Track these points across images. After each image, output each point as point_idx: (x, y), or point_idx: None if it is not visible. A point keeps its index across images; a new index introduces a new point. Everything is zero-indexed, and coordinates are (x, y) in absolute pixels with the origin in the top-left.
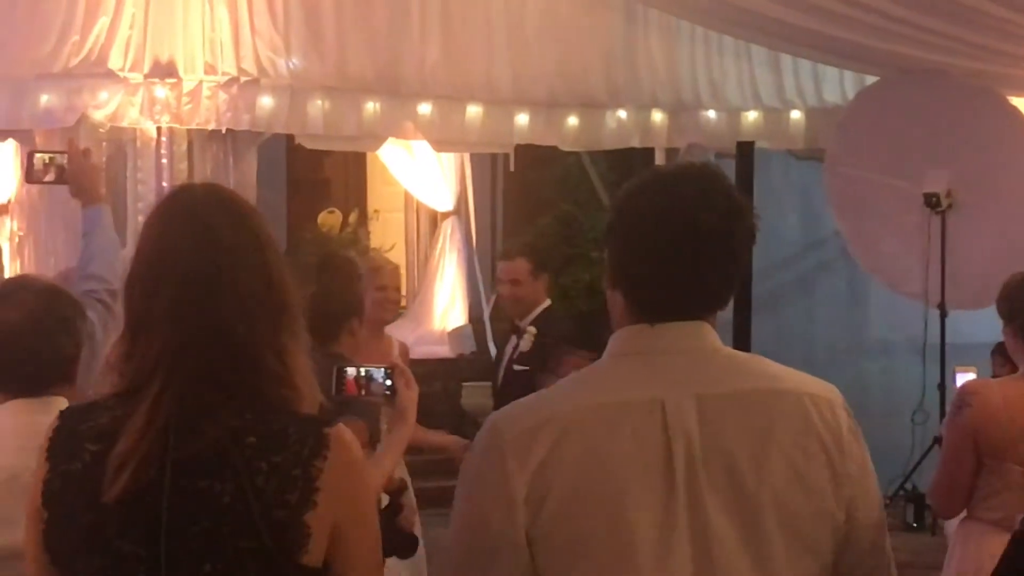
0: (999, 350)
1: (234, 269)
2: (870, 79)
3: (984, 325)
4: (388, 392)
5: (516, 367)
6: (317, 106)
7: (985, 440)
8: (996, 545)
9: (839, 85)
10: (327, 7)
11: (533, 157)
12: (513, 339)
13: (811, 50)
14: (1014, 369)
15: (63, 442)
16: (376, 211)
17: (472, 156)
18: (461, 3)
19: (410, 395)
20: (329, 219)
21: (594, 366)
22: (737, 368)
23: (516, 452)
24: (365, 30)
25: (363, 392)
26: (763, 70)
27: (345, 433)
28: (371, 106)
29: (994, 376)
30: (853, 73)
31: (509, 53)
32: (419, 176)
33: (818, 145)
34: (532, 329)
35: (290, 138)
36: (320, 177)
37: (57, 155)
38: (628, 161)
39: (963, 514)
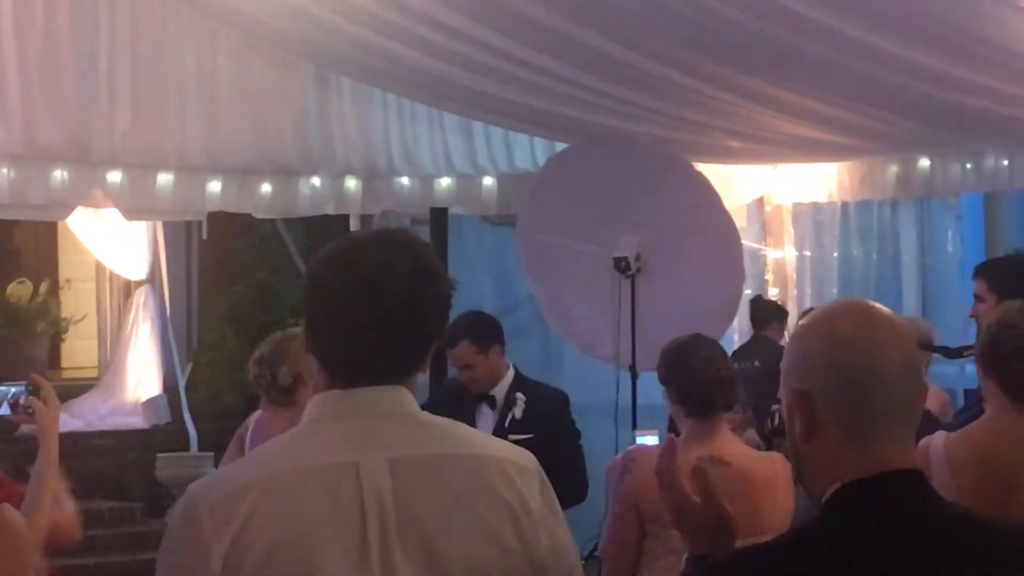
0: None
1: None
2: (561, 145)
3: None
4: (30, 412)
5: (514, 436)
6: (3, 175)
7: (647, 506)
8: None
9: (530, 151)
10: (11, 74)
11: (229, 224)
12: (487, 411)
13: (501, 117)
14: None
15: None
16: (68, 280)
17: (165, 223)
18: (151, 68)
19: (50, 414)
20: (19, 290)
21: (291, 431)
22: (432, 433)
23: (213, 523)
24: (52, 96)
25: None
26: (455, 136)
27: (7, 513)
28: (59, 174)
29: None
30: (544, 140)
31: (201, 119)
32: (110, 245)
33: (511, 211)
34: (521, 396)
35: None
36: (10, 247)
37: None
38: (325, 228)
39: None
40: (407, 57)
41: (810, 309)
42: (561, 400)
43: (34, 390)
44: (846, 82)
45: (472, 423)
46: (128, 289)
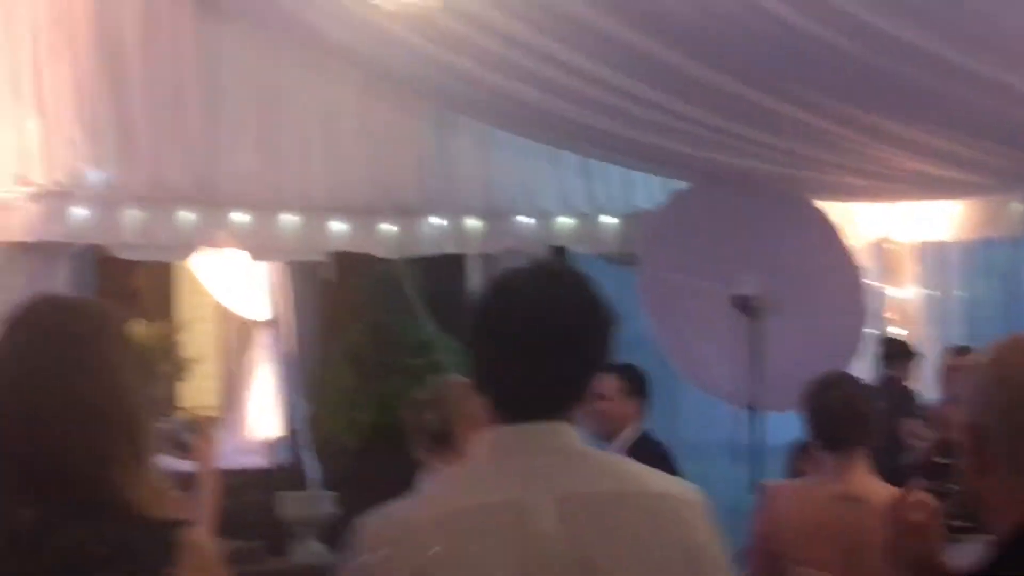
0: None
1: (39, 378)
2: (679, 184)
3: (794, 426)
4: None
5: None
6: (131, 216)
7: (778, 542)
8: None
9: (649, 190)
10: (139, 116)
11: (346, 265)
12: None
13: (621, 156)
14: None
15: None
16: (186, 321)
17: (284, 263)
18: (275, 110)
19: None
20: (140, 330)
21: (457, 469)
22: (597, 468)
23: (381, 560)
24: (179, 138)
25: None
26: (575, 176)
27: (197, 535)
28: (185, 216)
29: (795, 475)
30: (662, 178)
31: (324, 160)
32: (231, 285)
33: (630, 249)
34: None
35: (98, 248)
36: (129, 289)
37: None
38: (442, 268)
39: None
40: (527, 96)
41: (962, 347)
42: (660, 453)
43: (195, 427)
44: (969, 118)
45: None
46: (247, 329)
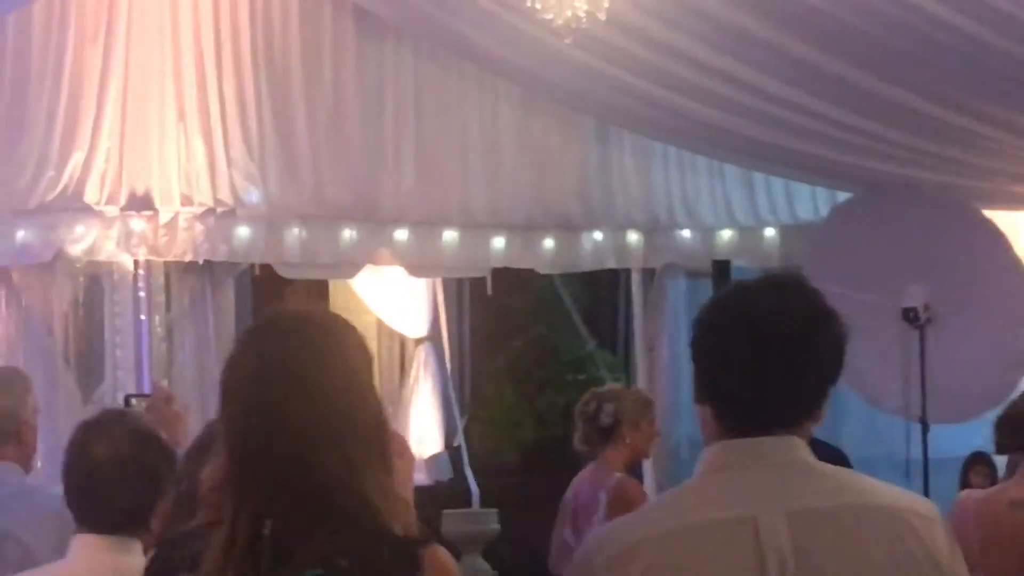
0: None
1: (288, 387)
2: (842, 195)
3: (959, 439)
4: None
5: None
6: (294, 234)
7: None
8: None
9: (812, 202)
10: (301, 135)
11: (505, 280)
12: None
13: (783, 167)
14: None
15: (158, 571)
16: None
17: (444, 280)
18: (435, 127)
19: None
20: None
21: (686, 484)
22: (829, 483)
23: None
24: (340, 157)
25: None
26: (736, 188)
27: (440, 553)
28: (347, 233)
29: (969, 487)
30: (825, 189)
31: (484, 176)
32: (390, 302)
33: (793, 262)
34: None
35: (252, 268)
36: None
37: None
38: (601, 283)
39: None
40: (687, 108)
41: None
42: (839, 459)
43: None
44: None
45: None
46: (403, 346)
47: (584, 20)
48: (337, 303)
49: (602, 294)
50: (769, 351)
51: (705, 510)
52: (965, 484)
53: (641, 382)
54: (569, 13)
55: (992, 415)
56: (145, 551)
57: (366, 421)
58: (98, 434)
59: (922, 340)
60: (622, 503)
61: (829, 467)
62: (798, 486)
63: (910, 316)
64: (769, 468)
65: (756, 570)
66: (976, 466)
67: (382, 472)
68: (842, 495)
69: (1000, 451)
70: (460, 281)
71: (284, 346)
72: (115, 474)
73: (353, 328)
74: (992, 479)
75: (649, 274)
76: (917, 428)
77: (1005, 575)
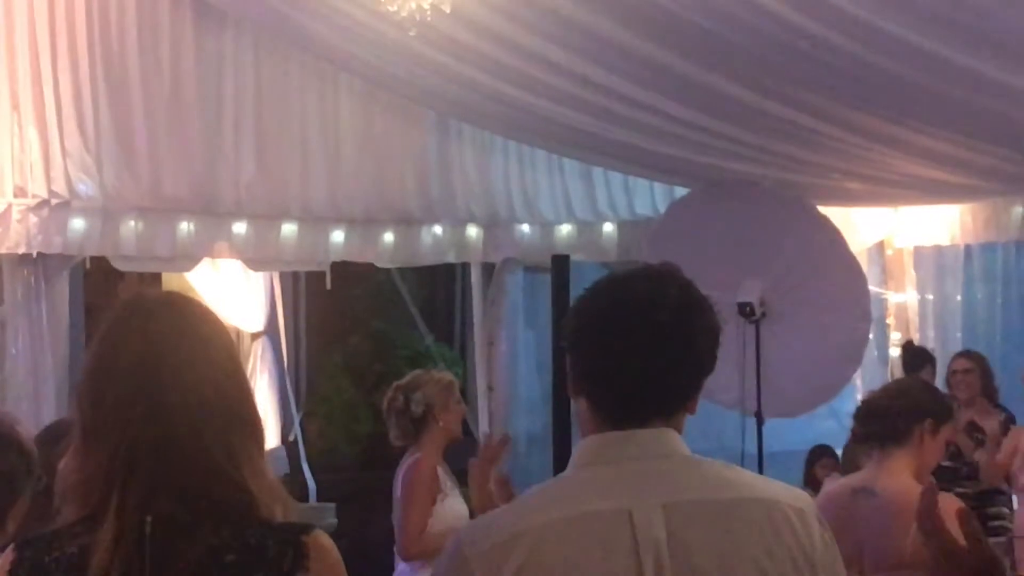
0: (821, 454)
1: (175, 374)
2: (680, 191)
3: (795, 433)
4: None
5: None
6: (130, 227)
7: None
8: None
9: (650, 197)
10: (139, 126)
11: (342, 275)
12: None
13: (621, 162)
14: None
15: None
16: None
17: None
18: (275, 120)
19: None
20: None
21: (561, 476)
22: (704, 476)
23: (484, 569)
24: (178, 149)
25: None
26: (575, 183)
27: (323, 538)
28: (185, 226)
29: (814, 479)
30: (663, 185)
31: (324, 170)
32: (227, 296)
33: (631, 257)
34: None
35: (83, 261)
36: (115, 301)
37: None
38: (436, 277)
39: None
40: (526, 102)
41: (963, 352)
42: None
43: None
44: (970, 120)
45: None
46: (239, 341)
47: (428, 13)
48: None
49: (439, 288)
50: (643, 340)
51: (581, 502)
52: (809, 477)
53: (480, 377)
54: (414, 5)
55: (823, 409)
56: None
57: (244, 406)
58: None
59: (757, 335)
60: (407, 481)
61: (705, 460)
62: (674, 478)
63: (745, 311)
64: (645, 460)
65: (632, 563)
66: (822, 459)
67: (259, 457)
68: (718, 487)
69: (857, 441)
70: (296, 274)
71: (166, 331)
72: None
73: (216, 314)
74: (836, 471)
75: (488, 268)
76: (752, 422)
77: (848, 561)
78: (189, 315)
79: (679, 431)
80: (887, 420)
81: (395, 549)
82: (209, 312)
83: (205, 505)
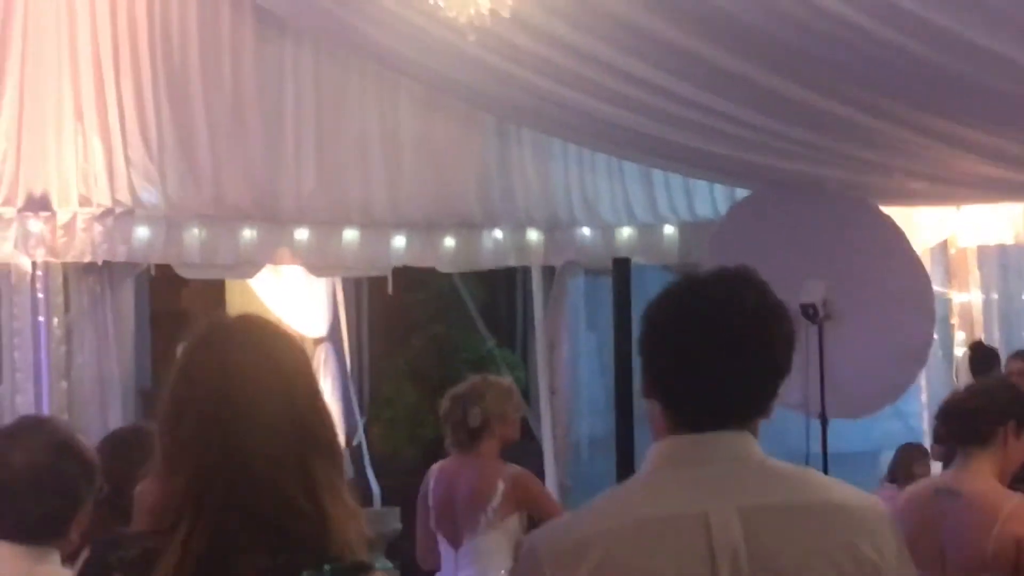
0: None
1: (254, 401)
2: (741, 192)
3: (859, 434)
4: None
5: None
6: (193, 235)
7: None
8: None
9: (711, 199)
10: (201, 134)
11: (404, 279)
12: None
13: (681, 164)
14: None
15: (91, 569)
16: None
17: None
18: (335, 127)
19: None
20: None
21: (635, 479)
22: (782, 480)
23: (558, 573)
24: (240, 157)
25: None
26: (635, 186)
27: None
28: (247, 233)
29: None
30: (724, 186)
31: (385, 175)
32: (290, 302)
33: (692, 259)
34: None
35: (148, 269)
36: (176, 308)
37: None
38: (499, 281)
39: None
40: (585, 105)
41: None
42: None
43: None
44: None
45: None
46: (305, 346)
47: (487, 18)
48: (234, 303)
49: (500, 292)
50: (719, 345)
51: (655, 505)
52: (908, 476)
53: (542, 380)
54: (472, 11)
55: (888, 410)
56: (63, 560)
57: (325, 433)
58: (14, 443)
59: (820, 336)
60: (523, 493)
61: (782, 463)
62: (750, 482)
63: (808, 312)
64: (720, 464)
65: (707, 566)
66: (921, 458)
67: (340, 483)
68: (795, 492)
69: (939, 441)
70: (359, 280)
71: (241, 361)
72: (31, 483)
73: (294, 336)
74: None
75: (549, 272)
76: (816, 423)
77: (929, 562)
78: (265, 342)
79: (755, 435)
80: (969, 421)
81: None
82: (285, 336)
83: (271, 533)
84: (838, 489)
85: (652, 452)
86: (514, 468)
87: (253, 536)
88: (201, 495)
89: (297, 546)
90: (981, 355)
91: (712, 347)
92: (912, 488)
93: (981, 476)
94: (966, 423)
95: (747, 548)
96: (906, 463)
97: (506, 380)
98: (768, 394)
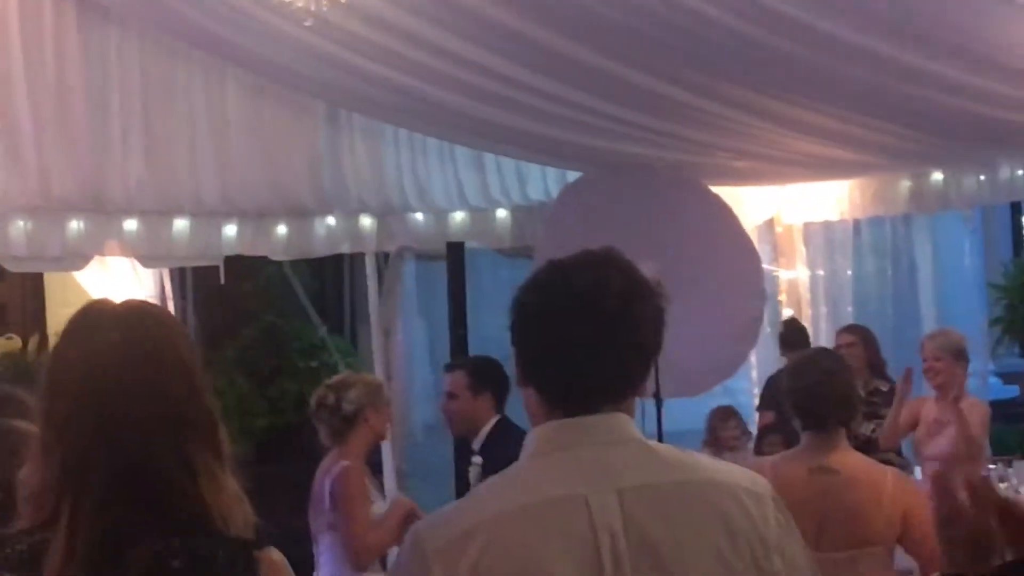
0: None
1: (124, 387)
2: (572, 175)
3: (691, 413)
4: None
5: None
6: (19, 227)
7: None
8: None
9: (543, 182)
10: (25, 125)
11: (231, 268)
12: (475, 459)
13: (513, 148)
14: None
15: None
16: (57, 335)
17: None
18: (163, 116)
19: None
20: (7, 345)
21: (515, 466)
22: (661, 460)
23: (443, 564)
24: (66, 148)
25: None
26: (467, 170)
27: (275, 555)
28: (75, 225)
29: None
30: (555, 170)
31: (214, 164)
32: (115, 294)
33: (525, 243)
34: (478, 460)
35: None
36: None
37: None
38: (325, 268)
39: None
40: (415, 89)
41: (852, 326)
42: None
43: None
44: (855, 96)
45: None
46: None
47: (325, 4)
48: (54, 295)
49: (328, 279)
50: (589, 327)
51: (537, 491)
52: (716, 439)
53: (377, 367)
54: None
55: (719, 388)
56: None
57: (201, 416)
58: None
59: None
60: (342, 494)
61: (659, 444)
62: (628, 463)
63: None
64: (598, 446)
65: (590, 549)
66: (729, 420)
67: (219, 468)
68: (672, 471)
69: (786, 421)
70: (183, 270)
71: (117, 339)
72: None
73: (179, 321)
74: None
75: (382, 258)
76: (651, 403)
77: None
78: (140, 328)
79: (631, 415)
80: (843, 404)
81: (338, 562)
82: (166, 324)
83: (155, 515)
84: (716, 468)
85: (530, 439)
86: (344, 464)
87: (140, 520)
88: (79, 482)
89: (187, 530)
90: (794, 331)
91: (582, 330)
92: (784, 471)
93: (849, 453)
94: (840, 407)
95: (625, 528)
96: (712, 426)
97: (378, 378)
98: (640, 373)
